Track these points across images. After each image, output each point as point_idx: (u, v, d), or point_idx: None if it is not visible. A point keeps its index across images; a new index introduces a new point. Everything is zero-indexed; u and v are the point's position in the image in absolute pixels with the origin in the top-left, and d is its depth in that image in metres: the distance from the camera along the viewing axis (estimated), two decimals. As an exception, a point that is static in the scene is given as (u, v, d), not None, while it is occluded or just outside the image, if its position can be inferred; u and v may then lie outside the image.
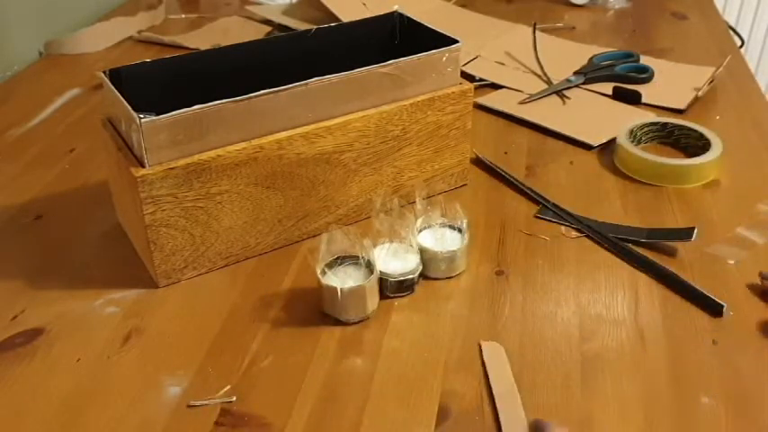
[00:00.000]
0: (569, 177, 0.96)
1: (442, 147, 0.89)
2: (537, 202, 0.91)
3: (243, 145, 0.75)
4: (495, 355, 0.67)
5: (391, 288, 0.75)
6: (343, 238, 0.73)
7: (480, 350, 0.68)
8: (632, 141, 1.00)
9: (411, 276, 0.75)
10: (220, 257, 0.80)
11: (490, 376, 0.65)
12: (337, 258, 0.74)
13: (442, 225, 0.80)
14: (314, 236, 0.84)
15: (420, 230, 0.80)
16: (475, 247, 0.83)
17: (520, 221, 0.88)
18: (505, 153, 1.02)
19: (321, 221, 0.84)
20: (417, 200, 0.80)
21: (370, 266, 0.74)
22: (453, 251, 0.77)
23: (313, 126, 0.78)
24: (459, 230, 0.79)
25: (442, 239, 0.79)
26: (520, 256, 0.82)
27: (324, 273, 0.73)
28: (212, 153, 0.74)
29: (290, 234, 0.83)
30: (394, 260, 0.76)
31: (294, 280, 0.79)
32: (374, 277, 0.72)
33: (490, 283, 0.78)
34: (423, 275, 0.77)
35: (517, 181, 0.94)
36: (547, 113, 1.09)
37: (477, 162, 1.00)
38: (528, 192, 0.92)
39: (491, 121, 1.10)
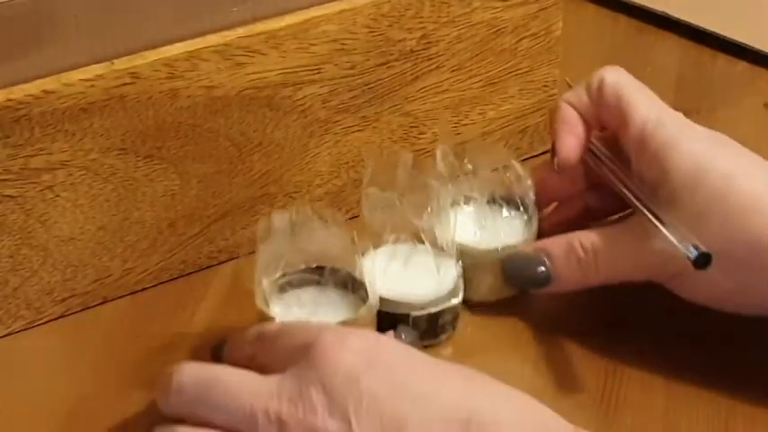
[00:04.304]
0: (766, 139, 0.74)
1: (504, 73, 0.72)
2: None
3: (98, 69, 0.59)
4: None
5: (408, 333, 0.56)
6: (308, 223, 0.54)
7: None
8: None
9: (446, 305, 0.56)
10: (51, 299, 0.62)
11: None
12: (290, 274, 0.55)
13: (493, 199, 0.62)
14: (236, 257, 0.66)
15: (456, 206, 0.62)
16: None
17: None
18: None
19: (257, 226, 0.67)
20: (439, 154, 0.61)
21: (356, 288, 0.55)
22: (511, 247, 0.59)
23: (241, 31, 0.61)
24: (522, 206, 0.61)
25: (492, 224, 0.61)
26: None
27: (269, 299, 0.55)
28: (35, 86, 0.57)
29: (195, 252, 0.66)
30: (408, 274, 0.58)
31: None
32: (368, 309, 0.54)
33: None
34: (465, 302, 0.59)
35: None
36: (720, 6, 0.86)
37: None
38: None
39: (604, 21, 0.90)
